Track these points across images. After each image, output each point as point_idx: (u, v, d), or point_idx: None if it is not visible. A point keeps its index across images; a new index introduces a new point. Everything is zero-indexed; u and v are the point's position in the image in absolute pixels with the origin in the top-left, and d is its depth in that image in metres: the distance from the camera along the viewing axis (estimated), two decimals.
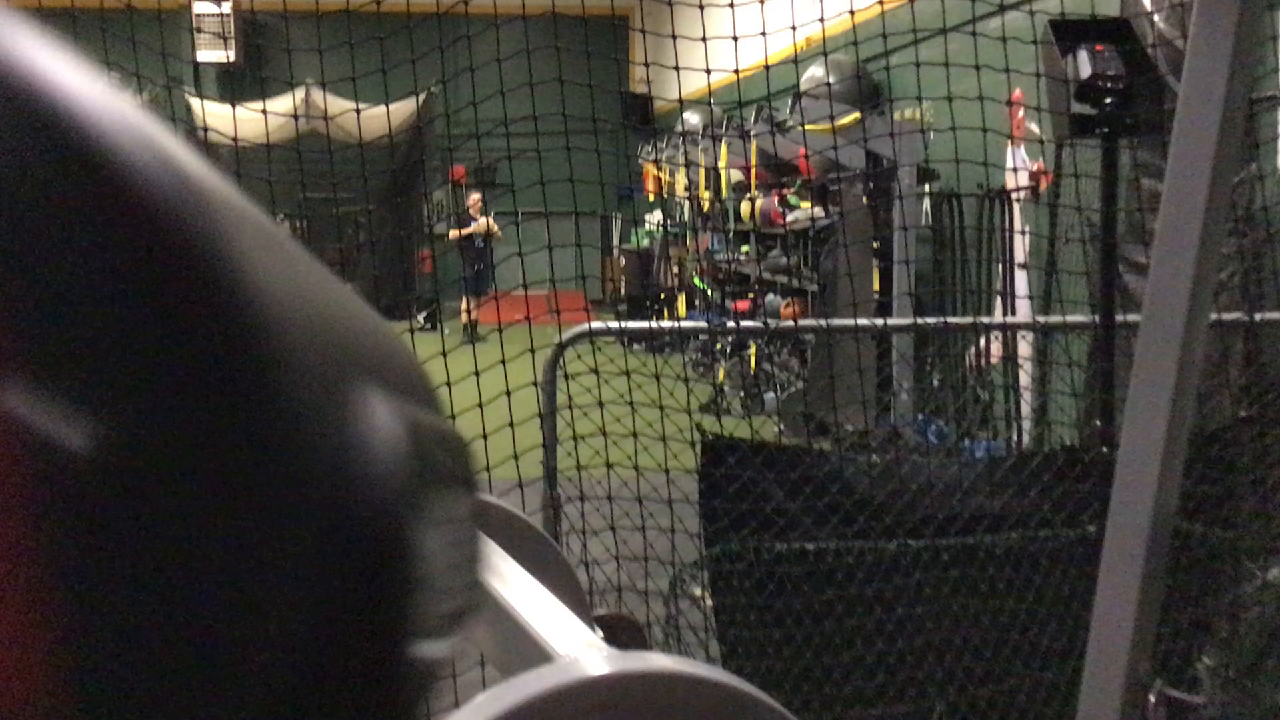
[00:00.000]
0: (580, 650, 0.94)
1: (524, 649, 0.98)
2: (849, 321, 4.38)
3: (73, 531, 0.24)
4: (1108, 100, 2.93)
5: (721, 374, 10.50)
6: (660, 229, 16.08)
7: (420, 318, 15.51)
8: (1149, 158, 4.90)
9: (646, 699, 0.87)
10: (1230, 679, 3.07)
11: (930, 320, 4.79)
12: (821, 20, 4.43)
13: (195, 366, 0.25)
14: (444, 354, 3.69)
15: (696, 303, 13.37)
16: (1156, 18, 5.36)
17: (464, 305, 15.13)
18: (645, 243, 16.89)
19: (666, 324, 4.36)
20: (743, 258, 11.97)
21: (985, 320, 5.26)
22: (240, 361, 0.25)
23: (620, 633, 1.63)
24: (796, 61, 5.00)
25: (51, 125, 0.25)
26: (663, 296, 14.47)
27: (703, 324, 4.60)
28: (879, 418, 7.32)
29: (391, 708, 0.30)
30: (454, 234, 15.96)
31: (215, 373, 0.25)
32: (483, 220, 15.36)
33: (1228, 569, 3.24)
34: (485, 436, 3.58)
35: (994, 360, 6.83)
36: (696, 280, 13.86)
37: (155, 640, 0.25)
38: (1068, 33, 2.99)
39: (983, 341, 6.90)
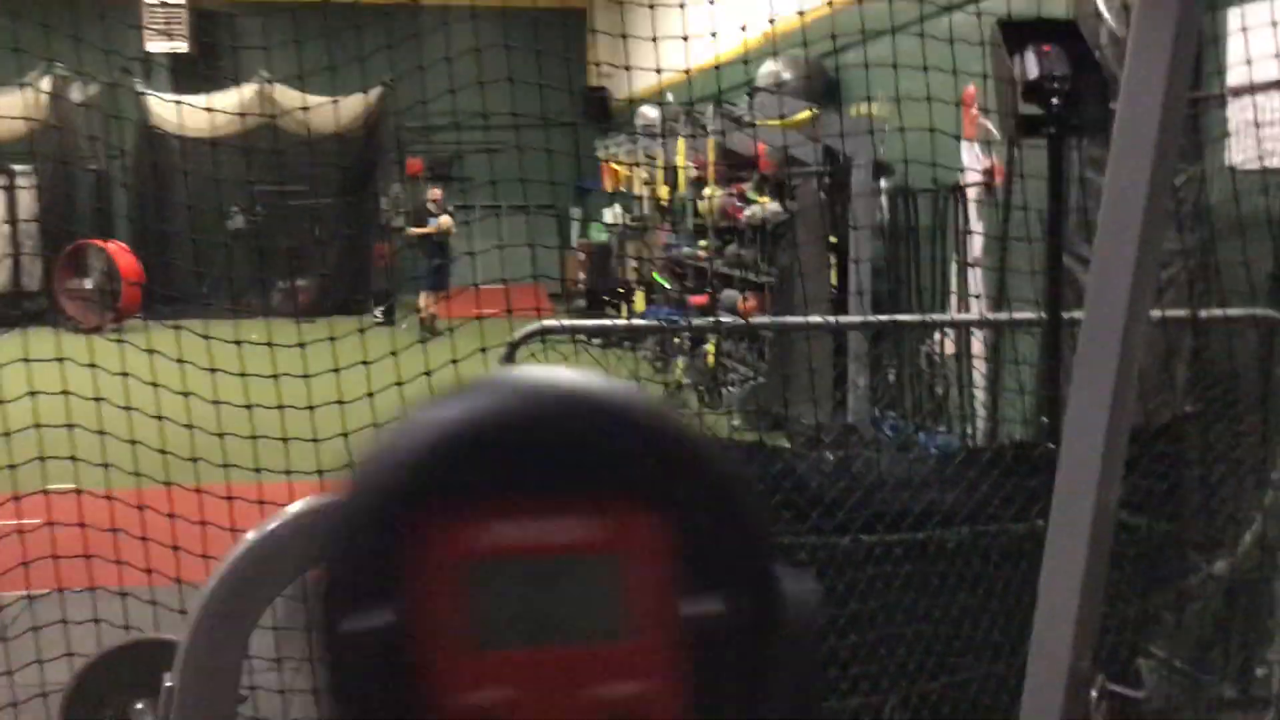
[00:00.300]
0: None
1: None
2: (801, 320, 4.40)
3: (715, 661, 0.47)
4: (1054, 100, 2.95)
5: (679, 370, 10.52)
6: (619, 223, 16.06)
7: (377, 312, 15.42)
8: (1100, 154, 4.96)
9: None
10: (1175, 670, 3.11)
11: (879, 318, 4.82)
12: (771, 21, 4.43)
13: (770, 566, 0.49)
14: (394, 353, 3.67)
15: (655, 297, 13.38)
16: (1109, 17, 5.41)
17: (422, 301, 15.02)
18: (604, 237, 16.87)
19: (620, 322, 4.34)
20: (701, 252, 11.99)
21: (933, 317, 5.29)
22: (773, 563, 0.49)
23: None
24: (747, 61, 5.03)
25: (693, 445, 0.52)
26: (621, 291, 14.46)
27: (655, 323, 4.58)
28: (835, 412, 7.36)
29: None
30: (412, 232, 15.84)
31: (772, 571, 0.49)
32: (443, 219, 15.25)
33: (1173, 562, 3.28)
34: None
35: (947, 356, 6.89)
36: (655, 275, 13.86)
37: (768, 690, 0.49)
38: (1015, 33, 3.01)
39: (936, 337, 6.96)
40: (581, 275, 16.73)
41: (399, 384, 3.80)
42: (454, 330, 3.95)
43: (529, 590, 0.48)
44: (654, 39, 4.52)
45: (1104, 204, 1.46)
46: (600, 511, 0.48)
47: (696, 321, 5.92)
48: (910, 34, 5.28)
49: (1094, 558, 1.49)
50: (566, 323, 3.66)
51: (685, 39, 4.51)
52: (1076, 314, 3.47)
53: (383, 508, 0.48)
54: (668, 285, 13.30)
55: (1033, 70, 2.88)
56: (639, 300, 13.50)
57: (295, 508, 1.39)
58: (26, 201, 15.45)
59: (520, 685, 0.48)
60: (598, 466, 0.48)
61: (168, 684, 1.32)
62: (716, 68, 4.78)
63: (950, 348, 6.80)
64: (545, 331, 3.52)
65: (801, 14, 4.70)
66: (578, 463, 0.48)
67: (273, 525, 1.36)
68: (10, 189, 14.62)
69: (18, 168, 14.64)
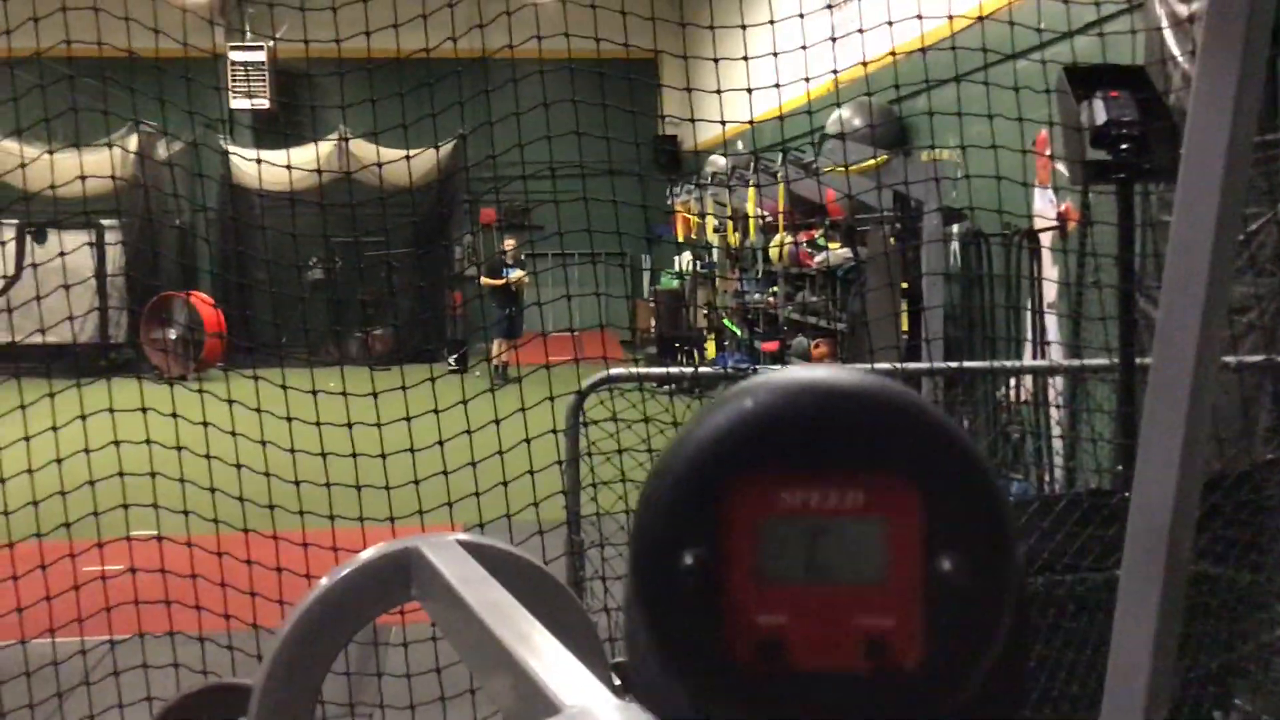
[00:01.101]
0: (588, 701, 0.94)
1: (533, 700, 0.98)
2: (865, 367, 4.36)
3: (957, 604, 0.60)
4: (1123, 146, 2.92)
5: None
6: (690, 271, 16.11)
7: (451, 360, 15.58)
8: (1170, 194, 4.89)
9: None
10: None
11: (949, 365, 4.78)
12: (834, 72, 4.44)
13: (1006, 532, 0.61)
14: (464, 401, 3.71)
15: (725, 344, 13.36)
16: (1182, 60, 5.37)
17: (494, 349, 15.15)
18: (674, 285, 16.93)
19: (686, 370, 4.35)
20: (771, 299, 11.97)
21: (1003, 364, 5.23)
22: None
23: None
24: (810, 112, 5.03)
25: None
26: (692, 338, 14.47)
27: (720, 370, 4.62)
28: None
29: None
30: (486, 281, 15.98)
31: (1008, 536, 0.61)
32: (515, 273, 15.35)
33: (1257, 614, 3.19)
34: (505, 484, 3.59)
35: (1022, 403, 6.80)
36: (726, 321, 13.86)
37: (995, 641, 0.61)
38: (1082, 80, 2.99)
39: (1011, 383, 6.87)
40: (653, 322, 16.77)
41: (468, 431, 3.85)
42: (522, 378, 3.99)
43: (809, 541, 0.62)
44: (718, 91, 4.56)
45: (1170, 250, 1.45)
46: (869, 483, 0.62)
47: (760, 369, 5.91)
48: (979, 81, 5.28)
49: (1167, 609, 1.46)
50: (632, 370, 3.70)
51: (749, 91, 4.54)
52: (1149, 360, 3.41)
53: (701, 472, 0.62)
54: (738, 332, 13.28)
55: (1100, 116, 2.86)
56: (710, 347, 13.50)
57: (367, 554, 1.41)
58: (113, 255, 15.90)
59: (797, 613, 0.62)
60: (866, 445, 0.61)
61: None
62: (780, 117, 4.80)
63: (1025, 394, 6.71)
64: (611, 380, 3.55)
65: (865, 64, 4.70)
66: (850, 442, 0.62)
67: (345, 571, 1.38)
68: (99, 244, 15.03)
69: (105, 222, 15.09)
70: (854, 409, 0.62)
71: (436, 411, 3.93)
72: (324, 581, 1.38)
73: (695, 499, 0.62)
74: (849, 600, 0.62)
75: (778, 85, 4.42)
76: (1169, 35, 5.44)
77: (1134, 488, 1.53)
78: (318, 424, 3.89)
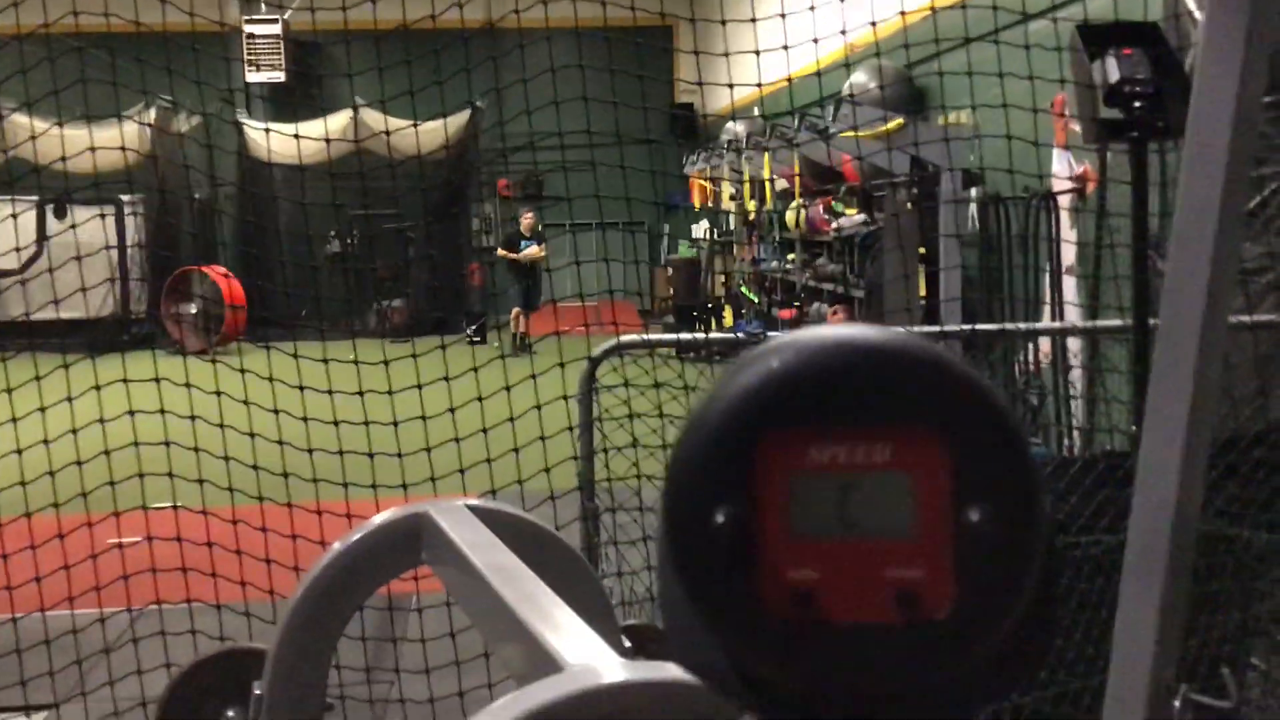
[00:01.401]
0: (591, 659, 0.96)
1: (538, 659, 1.00)
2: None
3: (985, 554, 0.61)
4: (1136, 104, 2.89)
5: None
6: (707, 239, 16.06)
7: (469, 331, 15.63)
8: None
9: (654, 706, 0.89)
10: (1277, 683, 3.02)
11: (965, 327, 4.76)
12: (846, 31, 4.40)
13: (1033, 483, 0.62)
14: (475, 369, 3.71)
15: (743, 312, 13.34)
16: (1198, 15, 5.30)
17: (513, 317, 15.18)
18: (692, 253, 16.89)
19: (696, 335, 4.35)
20: (790, 266, 11.94)
21: (1016, 326, 5.21)
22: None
23: (648, 642, 1.64)
24: (819, 74, 5.00)
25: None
26: (710, 306, 14.46)
27: (731, 335, 4.63)
28: None
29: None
30: (502, 253, 15.97)
31: (1034, 487, 0.62)
32: (533, 249, 15.31)
33: (1274, 572, 3.19)
34: (517, 450, 3.61)
35: (1041, 366, 6.77)
36: (744, 289, 13.84)
37: (1023, 591, 0.62)
38: (1095, 38, 2.96)
39: (1031, 347, 6.84)
40: (670, 291, 16.75)
41: (479, 399, 3.87)
42: (531, 347, 4.00)
43: (838, 495, 0.63)
44: (725, 54, 4.53)
45: (1178, 210, 1.44)
46: (897, 437, 0.63)
47: (771, 335, 5.92)
48: (997, 41, 5.23)
49: (1174, 568, 1.47)
50: (644, 337, 3.71)
51: (757, 54, 4.51)
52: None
53: (733, 430, 0.63)
54: (755, 299, 13.26)
55: (1113, 74, 2.83)
56: (727, 315, 13.49)
57: (377, 520, 1.43)
58: (133, 230, 15.96)
59: (828, 566, 0.63)
60: (895, 401, 0.62)
61: (256, 692, 1.37)
62: (790, 80, 4.77)
63: (1043, 357, 6.69)
64: (623, 347, 3.57)
65: (873, 24, 4.65)
66: (875, 398, 0.63)
67: (356, 537, 1.40)
68: (118, 218, 15.10)
69: (125, 198, 15.15)
70: (878, 364, 0.63)
71: (447, 379, 3.95)
72: (336, 547, 1.41)
73: (726, 457, 0.63)
74: (879, 553, 0.63)
75: (785, 47, 4.39)
76: None
77: (1141, 447, 1.53)
78: (329, 392, 3.91)
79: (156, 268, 16.23)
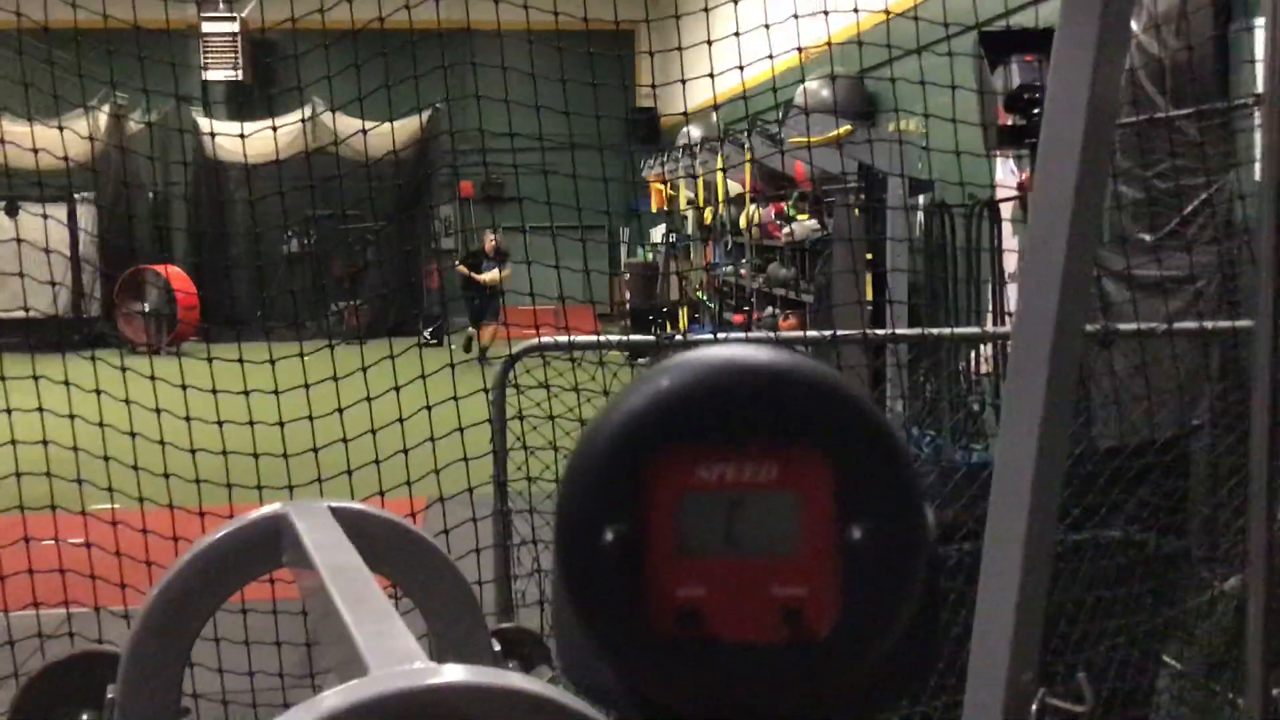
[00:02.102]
0: (397, 664, 0.95)
1: (350, 662, 1.00)
2: (795, 334, 4.39)
3: (868, 572, 0.63)
4: (1036, 111, 2.91)
5: None
6: (664, 243, 16.09)
7: (426, 333, 15.57)
8: (1129, 166, 4.91)
9: (454, 711, 0.88)
10: (1188, 681, 3.06)
11: (877, 331, 4.80)
12: (798, 49, 4.43)
13: (914, 500, 0.64)
14: (391, 357, 3.69)
15: (697, 316, 13.37)
16: (1136, 31, 5.37)
17: (467, 335, 15.13)
18: (650, 257, 16.90)
19: (614, 338, 4.37)
20: (743, 271, 11.98)
21: (936, 331, 5.26)
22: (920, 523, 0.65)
23: (521, 645, 1.64)
24: (774, 88, 5.03)
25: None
26: (665, 310, 14.47)
27: (651, 338, 4.66)
28: None
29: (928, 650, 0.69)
30: (462, 269, 15.83)
31: (916, 503, 0.64)
32: (494, 273, 15.14)
33: (1184, 578, 3.23)
34: (434, 439, 3.60)
35: (984, 373, 6.83)
36: (698, 294, 13.86)
37: (906, 606, 0.63)
38: (997, 45, 2.98)
39: (973, 354, 6.89)
40: (628, 295, 16.77)
41: (395, 388, 3.82)
42: (485, 352, 3.98)
43: (726, 514, 0.65)
44: (678, 47, 4.54)
45: (1031, 222, 1.46)
46: (783, 456, 0.64)
47: (694, 337, 5.98)
48: (941, 52, 5.27)
49: (1030, 572, 1.48)
50: (562, 339, 3.75)
51: (712, 76, 4.52)
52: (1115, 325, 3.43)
53: (622, 448, 0.64)
54: (710, 304, 13.29)
55: (1014, 80, 2.86)
56: (682, 319, 13.50)
57: (235, 521, 1.42)
58: (86, 227, 15.80)
59: (715, 584, 0.65)
60: (778, 420, 0.64)
61: (110, 695, 1.36)
62: (744, 96, 4.78)
63: (985, 365, 6.74)
64: (543, 347, 3.59)
65: (799, 49, 4.67)
66: (762, 418, 0.64)
67: (212, 538, 1.39)
68: (70, 216, 14.94)
69: (78, 195, 14.99)
70: (766, 385, 0.64)
71: (335, 379, 3.93)
72: (192, 549, 1.40)
73: (615, 476, 0.64)
74: (765, 571, 0.65)
75: (740, 67, 4.41)
76: None
77: (997, 454, 1.55)
78: (245, 393, 3.89)
79: (109, 267, 16.07)
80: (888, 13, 5.09)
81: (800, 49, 4.67)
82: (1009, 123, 2.91)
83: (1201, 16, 4.98)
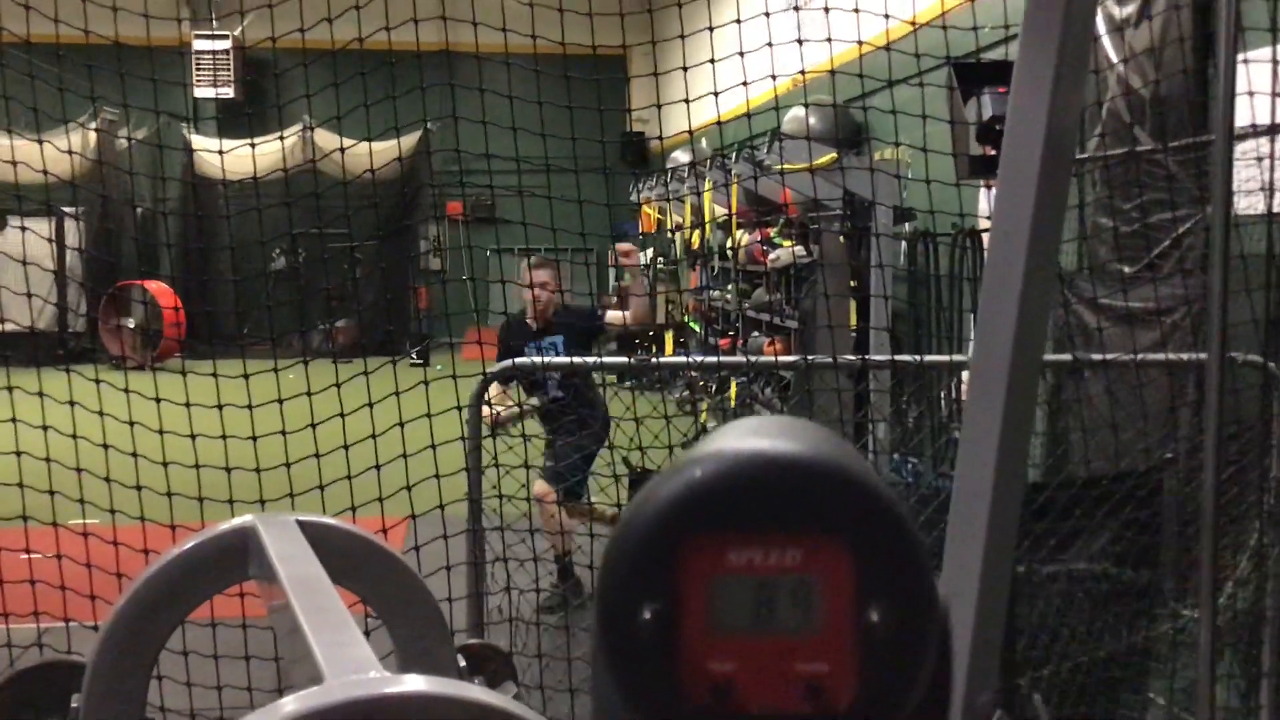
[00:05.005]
0: (353, 674, 0.97)
1: (308, 672, 1.01)
2: (770, 358, 4.40)
3: (884, 651, 0.70)
4: None
5: (704, 412, 10.53)
6: (651, 266, 16.12)
7: (413, 353, 15.57)
8: (1101, 195, 4.96)
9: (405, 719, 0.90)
10: (1159, 711, 3.07)
11: (853, 358, 4.83)
12: (774, 78, 4.48)
13: (929, 585, 0.71)
14: (364, 373, 3.70)
15: (683, 340, 13.40)
16: (1118, 65, 5.43)
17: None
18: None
19: (589, 359, 4.40)
20: (728, 296, 12.02)
21: (912, 358, 5.29)
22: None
23: (487, 661, 1.65)
24: (777, 107, 5.07)
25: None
26: (652, 334, 14.50)
27: (625, 359, 4.70)
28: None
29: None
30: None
31: (930, 589, 0.71)
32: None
33: (1157, 610, 3.25)
34: (406, 456, 3.60)
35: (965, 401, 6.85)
36: (685, 318, 13.90)
37: (919, 682, 0.70)
38: (970, 76, 3.03)
39: (955, 381, 6.92)
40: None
41: (369, 404, 3.83)
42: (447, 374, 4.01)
43: (754, 595, 0.70)
44: (653, 72, 4.56)
45: (989, 250, 1.49)
46: (806, 542, 0.70)
47: (664, 361, 6.00)
48: (927, 83, 5.31)
49: (988, 593, 1.50)
50: (536, 360, 3.77)
51: (688, 102, 4.55)
52: (1059, 356, 3.46)
53: (658, 534, 0.70)
54: (697, 328, 13.32)
55: (987, 111, 2.91)
56: (668, 343, 13.53)
57: (202, 534, 1.44)
58: (72, 243, 15.78)
59: (744, 660, 0.70)
60: (802, 509, 0.70)
61: (74, 705, 1.37)
62: (719, 123, 4.81)
63: (967, 392, 6.77)
64: (518, 369, 3.62)
65: (803, 73, 4.71)
66: (787, 507, 0.70)
67: (179, 550, 1.41)
68: (59, 231, 14.92)
69: (66, 210, 14.97)
70: (790, 476, 0.70)
71: (338, 385, 3.94)
72: (158, 560, 1.41)
73: (652, 559, 0.70)
74: (790, 648, 0.70)
75: (715, 93, 4.44)
76: (1106, 41, 5.50)
77: (956, 482, 1.57)
78: (218, 407, 3.90)
79: (96, 282, 16.04)
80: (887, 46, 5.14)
81: (804, 72, 4.71)
82: (982, 153, 2.96)
83: (1181, 49, 5.04)
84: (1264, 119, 4.37)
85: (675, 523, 0.70)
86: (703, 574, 0.70)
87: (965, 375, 6.66)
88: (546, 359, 3.73)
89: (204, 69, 17.73)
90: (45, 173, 4.35)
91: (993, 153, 2.97)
